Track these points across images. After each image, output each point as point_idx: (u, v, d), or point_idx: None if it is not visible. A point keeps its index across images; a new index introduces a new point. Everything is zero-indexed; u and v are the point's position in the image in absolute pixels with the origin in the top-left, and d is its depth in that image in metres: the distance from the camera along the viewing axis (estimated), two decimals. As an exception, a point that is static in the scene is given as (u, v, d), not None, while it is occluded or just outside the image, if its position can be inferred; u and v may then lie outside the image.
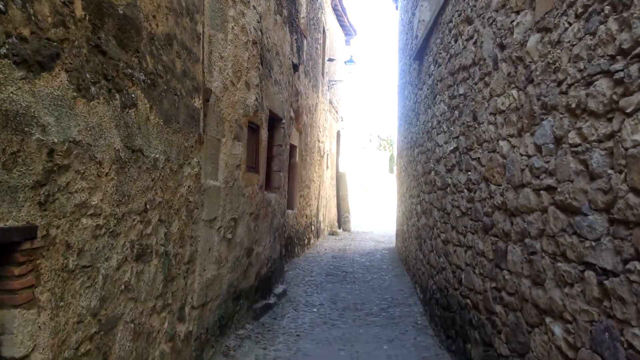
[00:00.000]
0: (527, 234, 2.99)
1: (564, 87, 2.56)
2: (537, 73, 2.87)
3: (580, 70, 2.40)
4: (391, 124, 75.70)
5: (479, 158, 3.96)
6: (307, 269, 9.36)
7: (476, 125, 4.05)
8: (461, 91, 4.53)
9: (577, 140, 2.41)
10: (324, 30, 13.59)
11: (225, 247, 4.72)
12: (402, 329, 5.66)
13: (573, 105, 2.45)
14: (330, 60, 14.69)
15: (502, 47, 3.46)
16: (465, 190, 4.32)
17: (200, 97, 3.89)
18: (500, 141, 3.46)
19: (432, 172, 5.74)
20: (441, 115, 5.26)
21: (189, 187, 3.67)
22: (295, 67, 8.31)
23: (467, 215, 4.27)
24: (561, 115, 2.58)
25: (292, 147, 10.14)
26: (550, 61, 2.71)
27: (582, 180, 2.37)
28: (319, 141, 13.08)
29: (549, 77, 2.73)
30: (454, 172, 4.70)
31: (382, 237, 15.89)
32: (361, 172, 40.15)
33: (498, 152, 3.49)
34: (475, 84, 4.07)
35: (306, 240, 11.75)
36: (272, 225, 6.65)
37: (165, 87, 3.20)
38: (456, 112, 4.68)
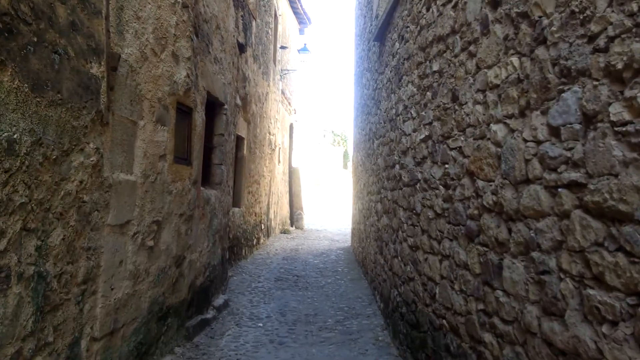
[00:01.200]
0: (534, 246, 2.24)
1: (600, 42, 1.80)
2: (553, 29, 2.10)
3: (632, 15, 1.64)
4: (346, 120, 75.42)
5: (460, 147, 3.20)
6: (254, 273, 8.45)
7: (456, 107, 3.28)
8: (435, 68, 3.76)
9: (626, 116, 1.66)
10: (275, 15, 12.66)
11: (144, 257, 3.77)
12: (362, 347, 4.87)
13: (619, 66, 1.69)
14: (282, 48, 13.77)
15: (496, 4, 2.69)
16: (441, 187, 3.56)
17: (102, 64, 2.94)
18: (492, 125, 2.70)
19: (397, 166, 4.97)
20: (409, 99, 4.49)
21: (81, 182, 2.71)
22: (241, 48, 7.36)
23: (443, 217, 3.51)
24: (595, 83, 1.82)
25: (239, 139, 9.19)
26: (577, 9, 1.94)
27: (634, 174, 1.62)
28: (269, 133, 12.16)
29: (573, 32, 1.97)
30: (426, 165, 3.93)
31: (336, 235, 15.16)
32: (314, 168, 39.45)
33: (489, 139, 2.73)
34: (456, 56, 3.30)
35: (255, 241, 10.83)
36: (211, 226, 5.72)
37: (35, 40, 2.24)
38: (428, 93, 3.91)
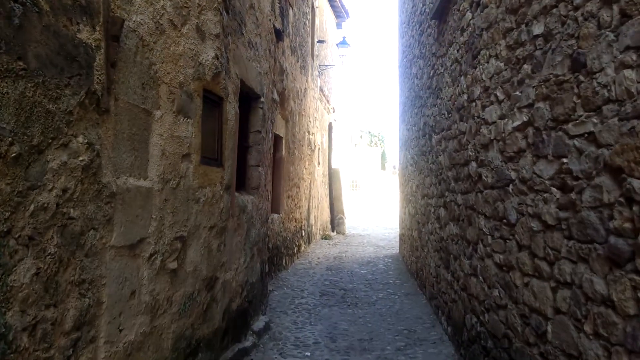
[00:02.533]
0: None
1: None
2: None
3: None
4: (383, 120, 74.19)
5: (590, 133, 2.26)
6: (297, 286, 7.63)
7: (581, 79, 2.35)
8: (538, 30, 2.83)
9: None
10: (312, 7, 11.86)
11: (166, 283, 2.98)
12: (433, 386, 3.97)
13: None
14: (320, 42, 12.96)
15: None
16: (554, 190, 2.62)
17: (98, 29, 2.15)
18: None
19: (473, 163, 4.04)
20: (491, 77, 3.56)
21: (65, 190, 1.92)
22: (278, 34, 6.57)
23: (559, 229, 2.57)
24: None
25: (277, 138, 8.41)
26: None
27: None
28: (308, 133, 11.35)
29: None
30: (524, 160, 3.00)
31: (381, 241, 14.21)
32: (352, 170, 38.59)
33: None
34: (577, 8, 2.37)
35: (295, 249, 10.03)
36: (248, 238, 4.92)
37: (-25, -27, 1.46)
38: (526, 66, 2.98)
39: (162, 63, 2.87)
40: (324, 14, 13.89)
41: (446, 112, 5.17)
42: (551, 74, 2.66)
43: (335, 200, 15.60)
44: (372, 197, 37.02)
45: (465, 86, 4.30)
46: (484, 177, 3.72)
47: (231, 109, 4.04)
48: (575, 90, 2.41)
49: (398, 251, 11.36)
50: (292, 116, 9.11)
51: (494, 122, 3.51)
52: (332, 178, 15.52)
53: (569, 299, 2.48)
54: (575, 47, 2.42)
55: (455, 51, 4.67)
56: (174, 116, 3.01)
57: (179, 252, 3.14)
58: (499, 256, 3.41)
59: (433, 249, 6.06)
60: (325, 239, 14.02)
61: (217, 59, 3.63)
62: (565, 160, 2.51)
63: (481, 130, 3.77)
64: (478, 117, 3.86)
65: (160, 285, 2.92)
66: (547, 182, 2.70)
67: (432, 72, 6.15)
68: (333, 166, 15.99)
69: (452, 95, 4.86)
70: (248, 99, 5.20)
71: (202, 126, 3.41)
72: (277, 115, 7.87)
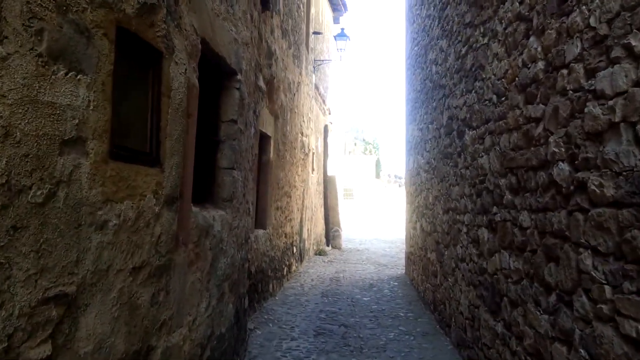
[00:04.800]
0: None
1: None
2: None
3: None
4: (378, 126, 72.90)
5: None
6: (285, 321, 6.11)
7: None
8: None
9: None
10: (307, -8, 10.43)
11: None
12: None
13: None
14: (316, 33, 11.52)
15: None
16: None
17: None
18: None
19: (562, 165, 2.56)
20: (613, 19, 2.11)
21: None
22: (264, 1, 5.11)
23: None
24: None
25: (264, 138, 6.92)
26: None
27: None
28: (302, 134, 9.87)
29: None
30: None
31: (382, 257, 12.70)
32: (346, 178, 37.18)
33: None
34: None
35: (285, 269, 8.51)
36: (214, 272, 3.42)
37: None
38: None
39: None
40: (320, 5, 12.47)
41: (495, 96, 3.71)
42: None
43: (330, 211, 14.10)
44: (367, 207, 35.61)
45: (540, 49, 2.83)
46: (593, 188, 2.24)
47: (179, 74, 2.53)
48: None
49: (404, 271, 9.86)
50: (282, 112, 7.63)
51: (621, 93, 2.04)
52: (327, 186, 14.03)
53: None
54: None
55: (517, 3, 3.21)
56: (41, 63, 1.52)
57: (55, 325, 1.64)
58: (636, 325, 1.94)
59: (466, 281, 4.57)
60: (320, 254, 12.50)
61: (149, -17, 2.15)
62: None
63: (587, 110, 2.30)
64: (577, 89, 2.40)
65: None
66: None
67: (463, 50, 4.70)
68: (328, 173, 14.51)
69: (507, 70, 3.40)
70: (218, 73, 3.72)
71: (113, 93, 1.91)
72: (263, 109, 6.39)
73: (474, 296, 4.29)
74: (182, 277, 2.77)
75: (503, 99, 3.50)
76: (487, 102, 3.92)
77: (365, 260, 12.01)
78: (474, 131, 4.33)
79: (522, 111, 3.11)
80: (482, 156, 4.05)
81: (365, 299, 7.56)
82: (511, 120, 3.31)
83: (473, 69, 4.35)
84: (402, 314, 6.58)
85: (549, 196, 2.71)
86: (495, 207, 3.70)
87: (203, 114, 3.82)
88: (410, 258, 8.88)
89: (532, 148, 2.95)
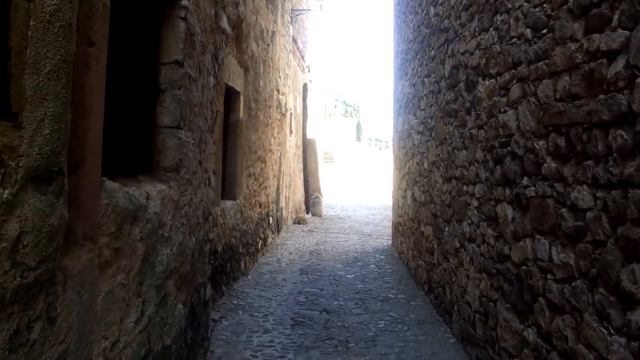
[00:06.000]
0: None
1: None
2: None
3: None
4: (359, 88, 71.54)
5: None
6: (258, 306, 5.26)
7: None
8: None
9: None
10: None
11: None
12: None
13: None
14: (293, -21, 10.31)
15: None
16: None
17: None
18: None
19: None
20: None
21: None
22: None
23: None
24: None
25: (232, 93, 5.90)
26: None
27: None
28: (278, 92, 8.82)
29: None
30: None
31: (365, 225, 11.92)
32: (326, 141, 36.26)
33: None
34: None
35: (260, 242, 7.63)
36: (150, 270, 2.49)
37: None
38: None
39: None
40: (298, -53, 11.19)
41: (529, 31, 2.76)
42: None
43: (310, 177, 13.19)
44: (348, 171, 34.87)
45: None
46: None
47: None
48: None
49: (391, 242, 9.08)
50: (254, 64, 6.57)
51: None
52: (306, 150, 13.06)
53: None
54: None
55: None
56: None
57: None
58: None
59: (477, 266, 3.73)
60: (299, 223, 11.66)
61: None
62: None
63: None
64: None
65: None
66: None
67: (477, -22, 3.72)
68: (308, 136, 13.52)
69: (553, -10, 2.44)
70: (154, -5, 2.70)
71: None
72: (229, 58, 5.34)
73: (488, 286, 3.46)
74: (88, 289, 1.84)
75: (544, 31, 2.56)
76: (515, 39, 2.98)
77: (348, 229, 11.21)
78: (492, 80, 3.40)
79: (583, 44, 2.18)
80: (506, 112, 3.13)
81: (349, 276, 6.75)
82: (560, 59, 2.38)
83: (493, 0, 3.39)
84: (391, 296, 5.78)
85: (633, 166, 1.82)
86: (525, 177, 2.81)
87: (137, 54, 2.80)
88: (398, 229, 8.07)
89: (600, 96, 2.04)
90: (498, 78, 3.28)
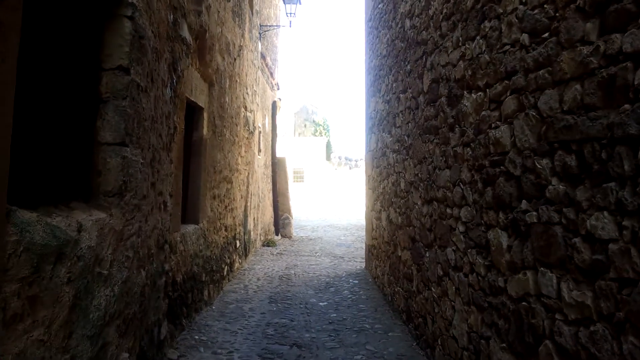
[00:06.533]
0: None
1: None
2: None
3: None
4: (328, 108, 71.69)
5: None
6: (222, 343, 4.76)
7: None
8: None
9: None
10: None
11: None
12: None
13: None
14: (261, -6, 10.00)
15: None
16: None
17: None
18: None
19: None
20: None
21: None
22: None
23: None
24: None
25: (195, 109, 5.48)
26: None
27: None
28: (245, 108, 8.41)
29: None
30: None
31: (337, 247, 11.51)
32: (296, 160, 35.95)
33: None
34: None
35: (226, 269, 7.13)
36: (82, 319, 2.03)
37: None
38: None
39: None
40: (266, -38, 10.92)
41: (525, 36, 2.46)
42: None
43: (280, 197, 12.74)
44: (318, 190, 34.58)
45: None
46: None
47: None
48: None
49: (364, 266, 8.70)
50: (219, 78, 6.16)
51: None
52: (276, 169, 12.64)
53: None
54: None
55: None
56: None
57: None
58: None
59: (464, 298, 3.38)
60: (268, 245, 11.17)
61: None
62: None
63: None
64: None
65: None
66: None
67: (460, -16, 3.43)
68: (277, 155, 13.11)
69: (556, -12, 2.14)
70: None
71: None
72: (191, 70, 4.93)
73: (479, 322, 3.10)
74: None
75: (546, 35, 2.26)
76: (508, 47, 2.67)
77: (319, 252, 10.77)
78: (480, 93, 3.09)
79: (599, 47, 1.86)
80: (497, 127, 2.82)
81: (321, 303, 6.31)
82: (568, 66, 2.07)
83: (479, 5, 3.09)
84: (367, 326, 5.36)
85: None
86: (524, 201, 2.48)
87: (79, 61, 2.37)
88: (372, 252, 7.70)
89: (625, 106, 1.72)
90: (487, 90, 2.97)
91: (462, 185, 3.43)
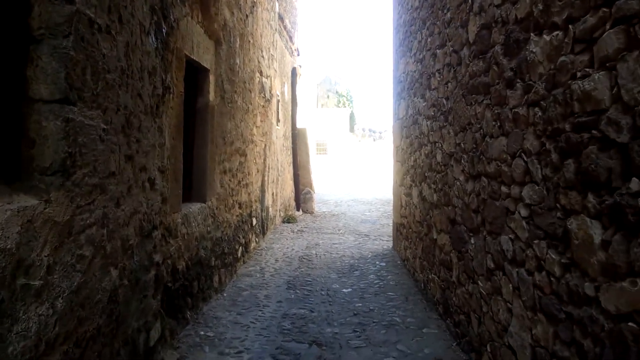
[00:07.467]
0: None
1: None
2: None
3: None
4: (351, 78, 70.23)
5: None
6: (231, 340, 4.15)
7: None
8: None
9: None
10: None
11: None
12: None
13: None
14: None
15: None
16: None
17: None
18: None
19: None
20: None
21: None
22: None
23: None
24: None
25: (199, 71, 4.77)
26: None
27: None
28: (260, 73, 7.66)
29: None
30: None
31: (362, 224, 10.82)
32: (319, 132, 35.12)
33: None
34: None
35: (240, 250, 6.52)
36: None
37: None
38: None
39: None
40: None
41: None
42: None
43: (301, 170, 12.06)
44: (341, 163, 33.84)
45: None
46: None
47: None
48: None
49: (392, 245, 8.00)
50: (227, 36, 5.41)
51: None
52: (296, 141, 11.92)
53: None
54: None
55: None
56: None
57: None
58: None
59: (527, 302, 2.64)
60: (289, 222, 10.55)
61: None
62: None
63: None
64: None
65: None
66: None
67: None
68: (298, 126, 12.36)
69: None
70: None
71: None
72: (191, 23, 4.20)
73: (551, 336, 2.37)
74: None
75: None
76: (609, -42, 1.86)
77: (343, 229, 10.11)
78: (557, 32, 2.29)
79: None
80: (587, 76, 2.03)
81: (345, 290, 5.66)
82: None
83: None
84: (398, 319, 4.68)
85: None
86: (635, 179, 1.72)
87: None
88: (400, 231, 6.98)
89: None
90: (570, 27, 2.17)
91: (525, 157, 2.65)
